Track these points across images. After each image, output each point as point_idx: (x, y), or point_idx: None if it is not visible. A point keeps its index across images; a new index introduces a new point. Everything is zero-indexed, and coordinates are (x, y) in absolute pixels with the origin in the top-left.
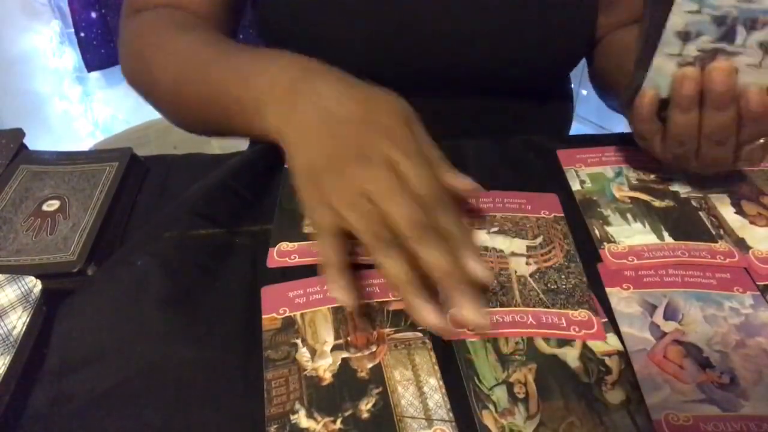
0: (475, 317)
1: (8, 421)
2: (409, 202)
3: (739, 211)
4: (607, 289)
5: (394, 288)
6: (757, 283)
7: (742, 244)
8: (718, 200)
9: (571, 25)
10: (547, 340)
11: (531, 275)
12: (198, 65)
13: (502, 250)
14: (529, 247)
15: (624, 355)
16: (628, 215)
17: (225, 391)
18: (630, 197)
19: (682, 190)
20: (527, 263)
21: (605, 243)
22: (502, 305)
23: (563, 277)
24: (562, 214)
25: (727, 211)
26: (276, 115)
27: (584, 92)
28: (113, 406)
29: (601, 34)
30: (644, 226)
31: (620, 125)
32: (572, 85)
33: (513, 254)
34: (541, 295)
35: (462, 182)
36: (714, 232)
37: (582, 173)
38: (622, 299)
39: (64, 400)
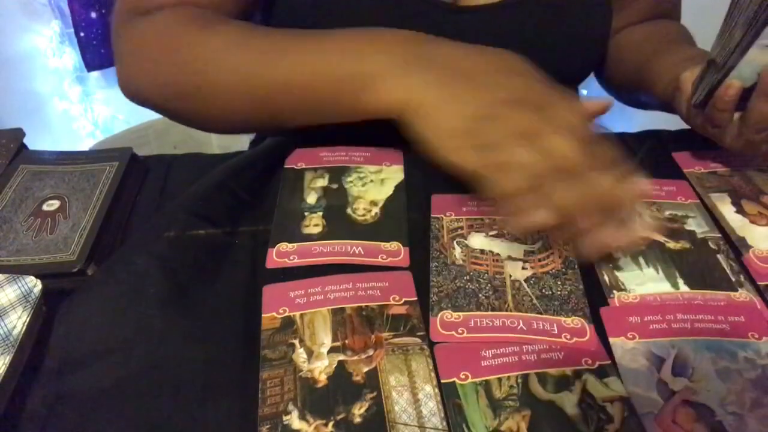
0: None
1: (8, 420)
2: (571, 136)
3: (740, 211)
4: (611, 339)
5: (574, 215)
6: (758, 283)
7: (742, 243)
8: (718, 200)
9: (589, 35)
10: (543, 383)
11: (526, 280)
12: (278, 52)
13: (498, 254)
14: (526, 252)
15: (627, 402)
16: (641, 259)
17: (223, 390)
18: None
19: (698, 229)
20: (523, 268)
21: (615, 291)
22: (493, 309)
23: (559, 283)
24: None
25: (727, 211)
26: (400, 86)
27: (584, 92)
28: (112, 405)
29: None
30: (657, 272)
31: (620, 125)
32: None
33: (509, 258)
34: (535, 301)
35: (595, 104)
36: (734, 279)
37: None
38: (627, 351)
39: (63, 400)
